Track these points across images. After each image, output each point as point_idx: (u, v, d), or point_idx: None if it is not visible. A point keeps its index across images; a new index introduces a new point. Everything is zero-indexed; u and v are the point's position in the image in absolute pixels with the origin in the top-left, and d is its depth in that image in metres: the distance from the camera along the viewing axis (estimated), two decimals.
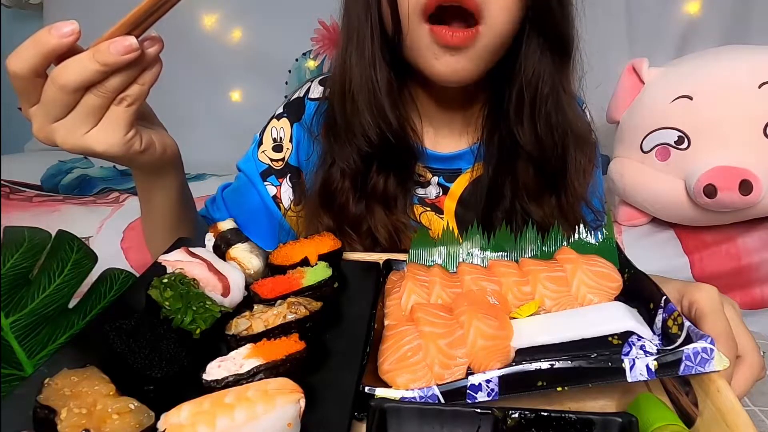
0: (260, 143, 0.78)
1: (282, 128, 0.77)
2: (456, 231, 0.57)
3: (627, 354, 0.40)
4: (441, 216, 0.75)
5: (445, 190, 0.75)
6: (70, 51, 0.43)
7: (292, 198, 0.76)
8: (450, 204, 0.75)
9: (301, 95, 0.78)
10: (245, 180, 0.78)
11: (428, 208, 0.75)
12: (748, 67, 1.13)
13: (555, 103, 0.67)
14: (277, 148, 0.77)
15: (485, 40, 0.59)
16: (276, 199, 0.76)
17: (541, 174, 0.69)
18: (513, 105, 0.67)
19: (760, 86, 1.10)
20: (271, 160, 0.77)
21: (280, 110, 0.79)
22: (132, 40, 0.42)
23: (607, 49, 1.68)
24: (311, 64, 1.88)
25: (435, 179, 0.75)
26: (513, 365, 0.39)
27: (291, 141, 0.76)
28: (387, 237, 0.68)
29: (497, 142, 0.71)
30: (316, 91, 0.78)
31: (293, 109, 0.77)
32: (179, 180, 0.62)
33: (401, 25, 0.61)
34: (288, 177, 0.76)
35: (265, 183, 0.76)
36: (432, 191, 0.75)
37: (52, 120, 0.45)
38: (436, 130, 0.74)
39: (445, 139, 0.75)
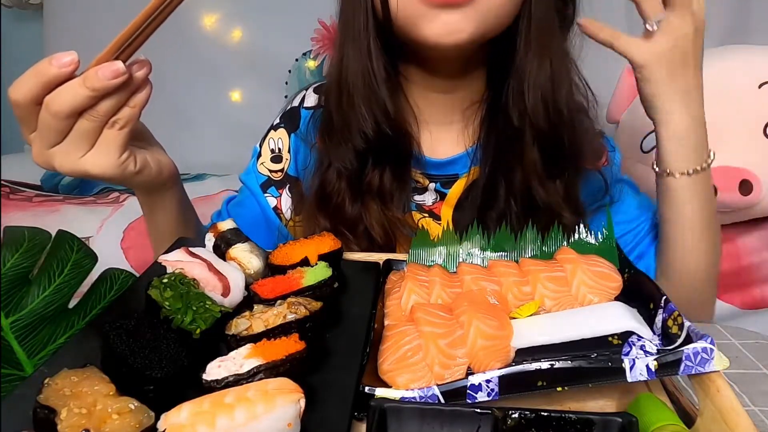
0: (259, 155, 0.78)
1: (280, 139, 0.77)
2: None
3: (627, 354, 0.40)
4: (438, 222, 0.75)
5: (442, 197, 0.75)
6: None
7: (292, 208, 0.76)
8: (447, 210, 0.75)
9: (296, 105, 0.79)
10: (248, 193, 0.79)
11: (426, 215, 0.75)
12: (748, 67, 1.13)
13: (563, 78, 0.66)
14: (276, 159, 0.77)
15: (484, 3, 0.57)
16: (277, 210, 0.76)
17: (547, 157, 0.67)
18: (520, 85, 0.65)
19: (760, 86, 1.10)
20: (270, 171, 0.77)
21: (277, 121, 0.79)
22: (119, 65, 0.44)
23: (608, 49, 1.68)
24: (311, 64, 1.88)
25: (432, 186, 0.74)
26: (513, 365, 0.39)
27: (289, 151, 0.77)
28: (382, 234, 0.68)
29: (495, 140, 0.70)
30: (311, 99, 0.78)
31: (289, 120, 0.78)
32: (177, 198, 0.64)
33: (389, 4, 0.59)
34: (287, 187, 0.77)
35: (266, 194, 0.77)
36: (429, 198, 0.75)
37: (49, 145, 0.47)
38: (433, 134, 0.74)
39: (442, 144, 0.74)
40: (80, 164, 0.48)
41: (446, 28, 0.58)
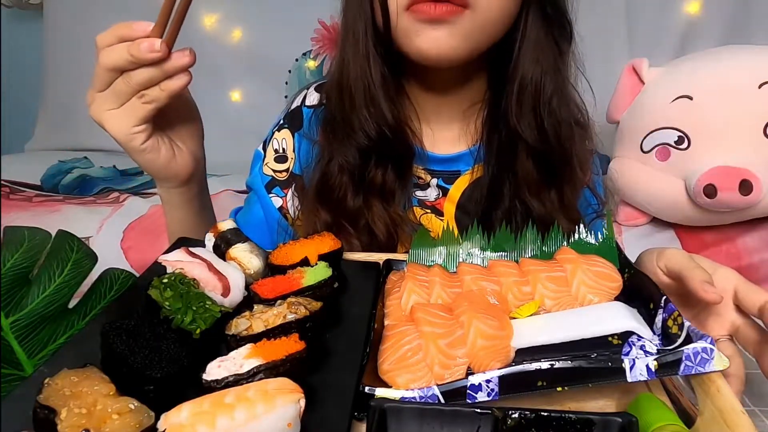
0: (264, 157, 0.79)
1: (284, 139, 0.77)
2: (456, 233, 0.57)
3: (627, 354, 0.40)
4: (441, 218, 0.75)
5: (445, 192, 0.75)
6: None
7: (297, 207, 0.76)
8: (449, 206, 0.75)
9: (299, 104, 0.79)
10: (254, 199, 0.79)
11: (428, 210, 0.75)
12: (748, 67, 1.13)
13: (557, 92, 0.67)
14: (280, 158, 0.77)
15: (469, 22, 0.59)
16: (283, 210, 0.76)
17: (542, 168, 0.69)
18: (515, 98, 0.67)
19: (760, 86, 1.10)
20: (275, 171, 0.77)
21: (280, 121, 0.79)
22: (156, 43, 0.49)
23: (607, 49, 1.68)
24: (311, 64, 1.88)
25: (434, 181, 0.75)
26: (513, 365, 0.39)
27: (294, 151, 0.77)
28: (384, 231, 0.68)
29: (497, 143, 0.71)
30: (312, 97, 0.78)
31: (292, 119, 0.78)
32: (186, 198, 0.68)
33: (389, 17, 0.61)
34: (293, 187, 0.76)
35: (270, 195, 0.77)
36: (431, 193, 0.75)
37: (96, 91, 0.54)
38: (434, 131, 0.74)
39: (444, 141, 0.75)
40: (102, 116, 0.54)
41: (434, 43, 0.60)
